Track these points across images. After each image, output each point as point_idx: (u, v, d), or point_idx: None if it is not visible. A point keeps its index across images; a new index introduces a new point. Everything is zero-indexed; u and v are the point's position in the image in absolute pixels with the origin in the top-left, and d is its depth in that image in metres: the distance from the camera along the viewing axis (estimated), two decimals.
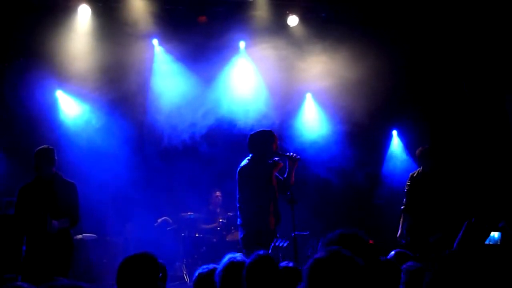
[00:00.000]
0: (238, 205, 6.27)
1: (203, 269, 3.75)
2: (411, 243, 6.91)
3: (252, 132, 6.43)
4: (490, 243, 4.29)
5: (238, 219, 6.28)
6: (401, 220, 7.23)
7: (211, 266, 3.74)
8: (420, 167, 7.33)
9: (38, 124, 8.79)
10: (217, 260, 3.83)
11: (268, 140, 6.27)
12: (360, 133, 9.85)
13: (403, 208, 7.26)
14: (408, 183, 7.31)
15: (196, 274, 3.78)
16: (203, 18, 9.48)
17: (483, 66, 8.81)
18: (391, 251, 4.15)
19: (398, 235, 7.18)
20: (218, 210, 9.48)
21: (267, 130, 6.42)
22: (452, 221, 6.94)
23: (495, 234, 4.67)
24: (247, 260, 3.47)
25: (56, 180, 6.10)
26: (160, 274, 3.40)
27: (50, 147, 6.20)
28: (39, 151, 6.12)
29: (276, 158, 6.26)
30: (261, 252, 3.48)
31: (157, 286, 3.30)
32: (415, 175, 7.31)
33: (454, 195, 7.16)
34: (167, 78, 9.65)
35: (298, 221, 6.34)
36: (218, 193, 9.54)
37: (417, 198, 7.14)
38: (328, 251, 2.24)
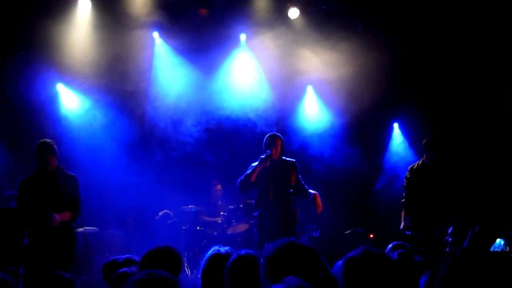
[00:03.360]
0: None
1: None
2: (413, 236, 6.90)
3: None
4: (496, 250, 4.28)
5: None
6: (403, 213, 7.22)
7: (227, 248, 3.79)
8: (422, 157, 7.30)
9: (39, 118, 8.80)
10: None
11: (264, 143, 6.59)
12: (361, 126, 9.84)
13: (403, 201, 7.25)
14: (408, 176, 7.29)
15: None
16: (203, 11, 9.47)
17: (485, 59, 8.78)
18: (389, 244, 4.16)
19: (401, 227, 7.16)
20: (219, 203, 9.48)
21: (269, 134, 6.70)
22: (454, 213, 6.93)
23: (500, 241, 4.66)
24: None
25: (58, 173, 6.11)
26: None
27: (51, 140, 6.21)
28: (43, 144, 6.12)
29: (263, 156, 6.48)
30: (242, 252, 3.47)
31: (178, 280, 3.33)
32: (414, 167, 7.28)
33: (456, 187, 7.14)
34: (167, 70, 9.65)
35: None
36: (219, 186, 9.54)
37: (417, 190, 7.12)
38: (360, 250, 2.28)
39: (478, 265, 1.83)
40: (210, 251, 3.51)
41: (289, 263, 2.58)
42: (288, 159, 6.65)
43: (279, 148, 6.50)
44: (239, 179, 6.53)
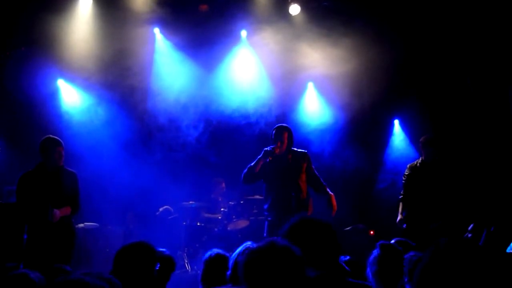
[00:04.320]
0: None
1: (211, 253, 3.86)
2: (410, 232, 6.89)
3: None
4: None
5: None
6: (400, 207, 7.22)
7: (217, 251, 3.85)
8: (421, 155, 7.31)
9: (40, 113, 8.80)
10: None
11: (271, 135, 6.47)
12: (362, 123, 9.83)
13: (401, 198, 7.26)
14: (406, 173, 7.29)
15: (207, 256, 3.87)
16: (204, 7, 9.46)
17: (487, 57, 8.74)
18: (391, 240, 4.15)
19: (397, 220, 7.18)
20: (220, 199, 9.49)
21: (276, 125, 6.58)
22: (452, 211, 6.93)
23: None
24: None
25: (59, 169, 6.11)
26: (158, 264, 3.42)
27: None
28: (52, 138, 6.11)
29: (266, 148, 6.36)
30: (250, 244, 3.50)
31: (153, 276, 3.32)
32: (414, 165, 7.28)
33: (455, 185, 7.13)
34: (168, 66, 9.64)
35: None
36: (223, 184, 9.53)
37: (416, 188, 7.12)
38: (263, 243, 2.24)
39: (460, 255, 1.82)
40: (241, 247, 3.54)
41: (304, 237, 2.60)
42: (298, 150, 6.53)
43: (285, 141, 6.37)
44: (243, 172, 6.42)
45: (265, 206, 6.50)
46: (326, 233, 2.65)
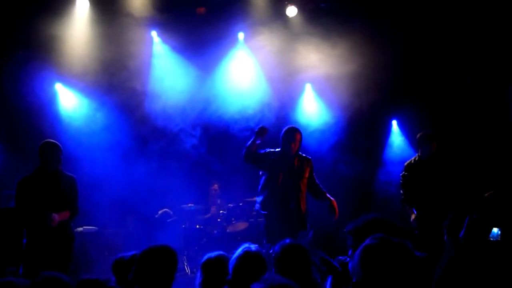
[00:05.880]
0: None
1: (211, 255, 3.86)
2: (419, 234, 6.79)
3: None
4: (492, 239, 4.28)
5: None
6: (409, 206, 7.06)
7: (217, 252, 3.84)
8: (418, 152, 7.20)
9: (38, 117, 8.79)
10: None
11: (282, 136, 6.47)
12: (360, 124, 9.83)
13: (403, 199, 7.16)
14: (404, 173, 7.20)
15: (205, 258, 3.86)
16: (201, 10, 9.47)
17: (485, 56, 8.75)
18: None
19: (412, 219, 6.97)
20: (218, 201, 9.49)
21: (288, 126, 6.57)
22: (456, 204, 6.86)
23: (497, 231, 4.64)
24: (275, 248, 3.55)
25: (58, 174, 6.10)
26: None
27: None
28: (51, 142, 6.11)
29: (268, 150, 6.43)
30: (287, 240, 3.54)
31: (173, 278, 3.41)
32: (411, 163, 7.18)
33: (455, 179, 7.07)
34: (166, 69, 9.64)
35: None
36: (215, 186, 9.55)
37: (415, 186, 7.04)
38: (377, 238, 2.32)
39: (478, 255, 1.85)
40: (240, 249, 3.59)
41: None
42: (304, 155, 6.58)
43: (297, 143, 6.41)
44: (242, 152, 6.42)
45: (260, 198, 6.46)
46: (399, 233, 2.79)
